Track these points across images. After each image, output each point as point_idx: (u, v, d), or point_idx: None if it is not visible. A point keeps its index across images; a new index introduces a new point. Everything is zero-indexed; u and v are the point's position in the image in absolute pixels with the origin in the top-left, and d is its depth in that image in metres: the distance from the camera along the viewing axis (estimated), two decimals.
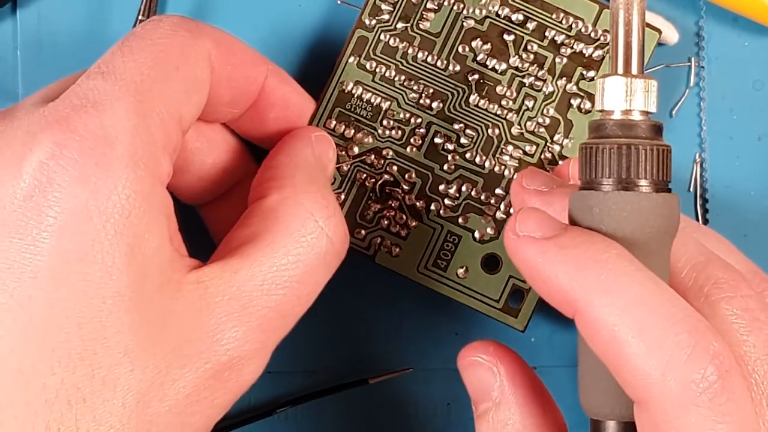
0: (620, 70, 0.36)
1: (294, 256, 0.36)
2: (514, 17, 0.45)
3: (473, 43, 0.45)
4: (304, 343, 0.47)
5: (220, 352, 0.35)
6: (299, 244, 0.36)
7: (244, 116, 0.41)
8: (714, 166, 0.47)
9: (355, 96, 0.45)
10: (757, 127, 0.47)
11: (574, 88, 0.45)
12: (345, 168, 0.44)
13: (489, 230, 0.45)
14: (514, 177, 0.44)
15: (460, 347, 0.47)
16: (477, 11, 0.45)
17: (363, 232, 0.45)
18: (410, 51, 0.45)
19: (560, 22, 0.45)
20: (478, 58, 0.45)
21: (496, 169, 0.45)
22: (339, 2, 0.47)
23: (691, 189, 0.47)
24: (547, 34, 0.45)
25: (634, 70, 0.36)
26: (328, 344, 0.47)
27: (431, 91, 0.45)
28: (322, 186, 0.39)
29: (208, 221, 0.44)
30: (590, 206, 0.35)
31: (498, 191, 0.45)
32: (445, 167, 0.45)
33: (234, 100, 0.39)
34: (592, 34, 0.45)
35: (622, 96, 0.36)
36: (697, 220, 0.47)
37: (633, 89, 0.36)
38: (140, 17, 0.46)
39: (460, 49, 0.45)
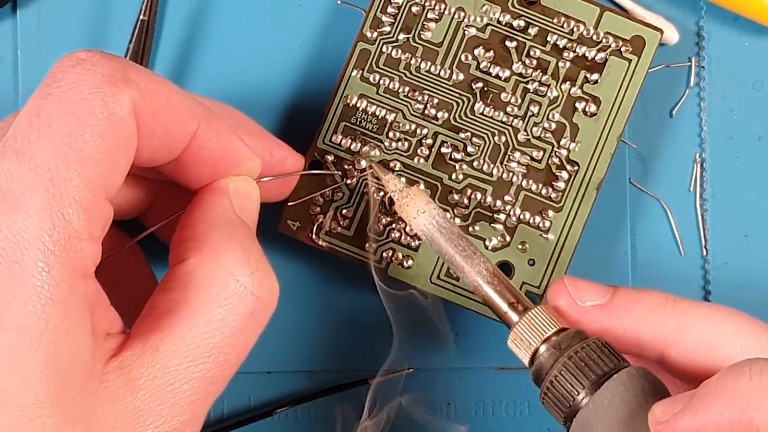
0: (515, 317, 0.39)
1: (217, 323, 0.35)
2: (515, 23, 0.44)
3: (476, 51, 0.44)
4: (304, 343, 0.47)
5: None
6: (222, 309, 0.35)
7: (163, 165, 0.38)
8: (714, 166, 0.48)
9: (360, 109, 0.44)
10: (757, 127, 0.48)
11: (579, 91, 0.45)
12: (353, 182, 0.44)
13: (500, 238, 0.45)
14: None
15: (460, 347, 0.47)
16: (478, 19, 0.44)
17: (374, 245, 0.44)
18: (413, 62, 0.44)
19: (561, 27, 0.45)
20: (481, 66, 0.44)
21: (505, 176, 0.44)
22: (339, 2, 0.46)
23: (691, 189, 0.48)
24: (548, 38, 0.45)
25: (521, 306, 0.39)
26: (328, 344, 0.47)
27: (436, 101, 0.44)
28: (242, 240, 0.36)
29: (149, 225, 0.42)
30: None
31: (507, 198, 0.44)
32: (454, 177, 0.44)
33: (152, 156, 0.36)
34: (594, 37, 0.45)
35: (533, 333, 0.38)
36: (697, 220, 0.48)
37: (534, 323, 0.38)
38: (141, 17, 0.45)
39: (462, 58, 0.44)
